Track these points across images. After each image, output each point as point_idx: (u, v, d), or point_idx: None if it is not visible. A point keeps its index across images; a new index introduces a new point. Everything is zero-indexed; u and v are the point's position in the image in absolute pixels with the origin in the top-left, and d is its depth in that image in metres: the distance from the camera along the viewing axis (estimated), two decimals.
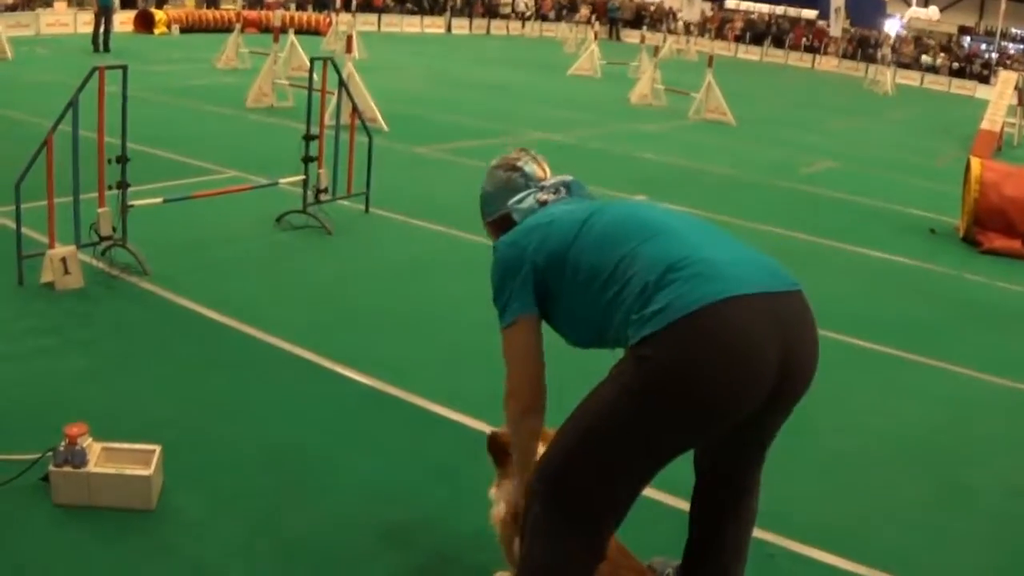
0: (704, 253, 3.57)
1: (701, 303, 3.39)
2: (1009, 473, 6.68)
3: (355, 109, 11.46)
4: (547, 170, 4.43)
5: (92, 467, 5.10)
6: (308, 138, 10.52)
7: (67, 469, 5.06)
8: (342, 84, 12.05)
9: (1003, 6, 52.55)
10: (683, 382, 3.41)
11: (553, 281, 3.85)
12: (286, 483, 5.53)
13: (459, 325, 8.31)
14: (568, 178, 4.33)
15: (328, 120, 11.54)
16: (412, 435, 6.29)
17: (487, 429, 6.16)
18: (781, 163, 19.01)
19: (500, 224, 4.29)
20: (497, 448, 4.42)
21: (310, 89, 10.70)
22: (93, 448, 5.19)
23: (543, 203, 4.18)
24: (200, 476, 5.50)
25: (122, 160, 8.59)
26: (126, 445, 5.33)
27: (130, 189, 8.77)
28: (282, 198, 11.04)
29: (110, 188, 8.58)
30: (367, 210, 11.44)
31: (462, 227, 10.92)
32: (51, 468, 5.09)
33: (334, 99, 12.84)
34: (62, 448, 5.08)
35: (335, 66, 11.15)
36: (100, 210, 8.59)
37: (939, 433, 7.26)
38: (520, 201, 4.21)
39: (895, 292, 10.88)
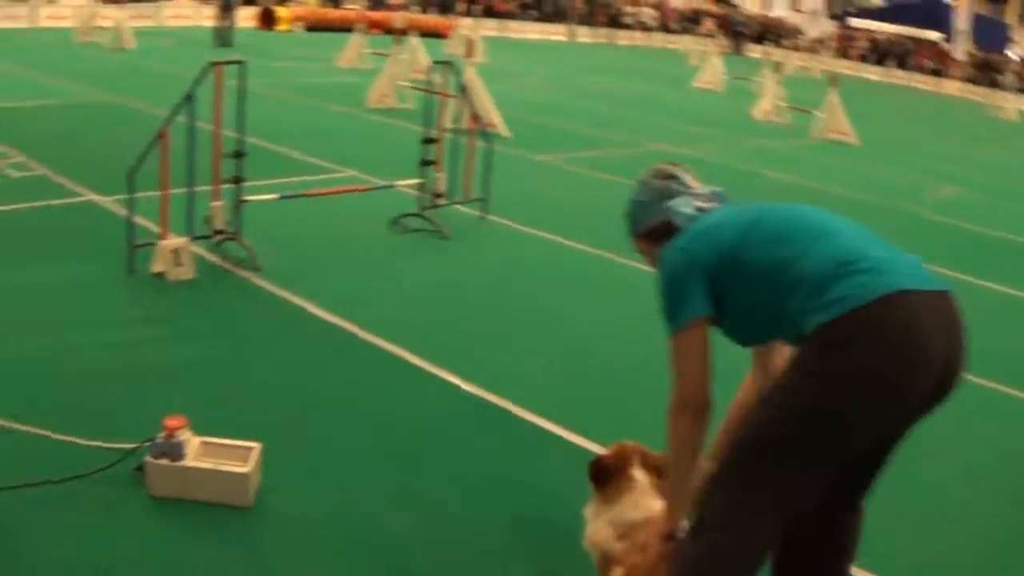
0: (873, 252, 3.71)
1: (878, 293, 3.53)
2: None
3: (475, 114, 11.37)
4: (697, 181, 4.40)
5: (189, 461, 5.07)
6: (427, 141, 10.45)
7: (163, 461, 5.03)
8: (463, 88, 11.98)
9: None
10: (866, 364, 3.51)
11: (724, 282, 3.92)
12: (386, 487, 5.45)
13: (568, 336, 8.17)
14: (719, 189, 4.36)
15: (448, 124, 11.46)
16: (514, 445, 6.16)
17: (586, 443, 6.08)
18: (904, 187, 18.56)
19: (654, 234, 4.27)
20: (601, 474, 4.37)
21: (430, 92, 10.64)
22: (192, 442, 5.15)
23: (701, 210, 4.20)
24: (299, 475, 5.44)
25: (238, 154, 8.60)
26: (225, 440, 5.29)
27: (245, 184, 8.77)
28: (398, 200, 10.97)
29: (225, 182, 8.59)
30: (483, 216, 11.33)
31: (579, 237, 10.75)
32: (147, 459, 5.06)
33: (454, 103, 12.77)
34: (160, 440, 5.05)
35: (456, 70, 11.08)
36: (214, 203, 8.63)
37: None
38: (681, 207, 4.21)
39: (1009, 327, 10.36)
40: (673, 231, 4.15)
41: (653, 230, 4.26)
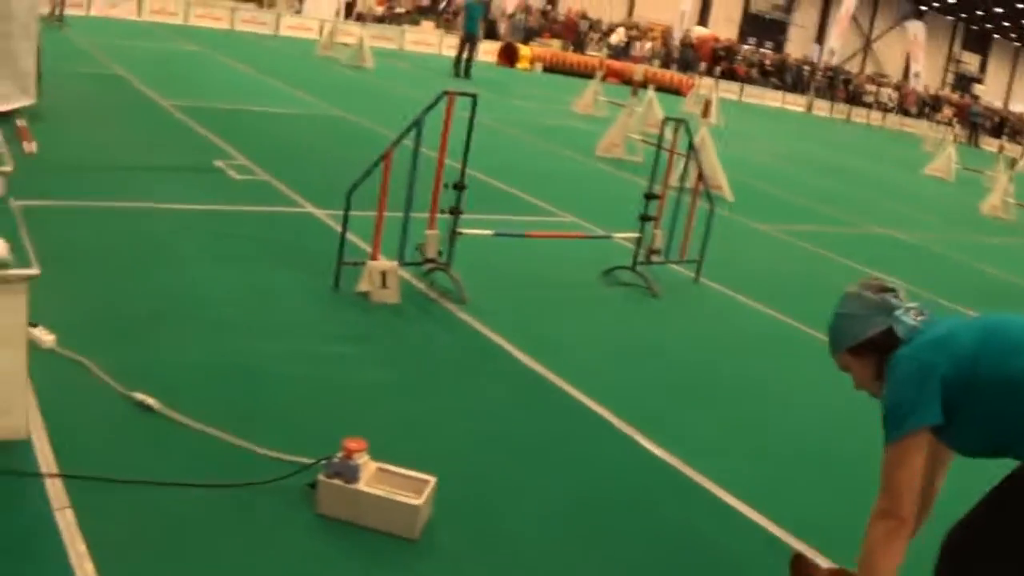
0: None
1: None
2: None
3: (701, 175, 11.20)
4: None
5: (362, 485, 5.03)
6: (649, 196, 10.35)
7: (337, 482, 5.01)
8: (692, 148, 11.85)
9: None
10: None
11: (961, 393, 3.88)
12: (556, 538, 5.30)
13: (769, 412, 7.89)
14: (920, 303, 4.28)
15: (673, 182, 11.34)
16: (698, 517, 5.91)
17: (770, 526, 5.87)
18: None
19: (869, 347, 4.22)
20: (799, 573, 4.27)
21: (659, 147, 10.55)
22: (368, 466, 5.12)
23: (921, 322, 4.16)
24: (471, 515, 5.35)
25: (458, 187, 8.63)
26: (402, 470, 5.24)
27: (462, 216, 8.78)
28: (614, 252, 10.88)
29: (442, 212, 8.64)
30: (697, 279, 11.12)
31: (791, 311, 10.50)
32: (320, 477, 5.05)
33: (682, 161, 12.65)
34: (337, 460, 5.04)
35: (688, 129, 10.97)
36: (429, 232, 8.66)
37: None
38: (905, 318, 4.17)
39: None
40: (893, 344, 4.11)
41: (869, 342, 4.19)
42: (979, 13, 74.02)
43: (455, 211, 8.67)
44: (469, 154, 8.71)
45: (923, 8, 68.81)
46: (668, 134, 10.79)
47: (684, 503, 6.05)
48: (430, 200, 8.71)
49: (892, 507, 3.88)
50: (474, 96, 8.46)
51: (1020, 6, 64.77)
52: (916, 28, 58.06)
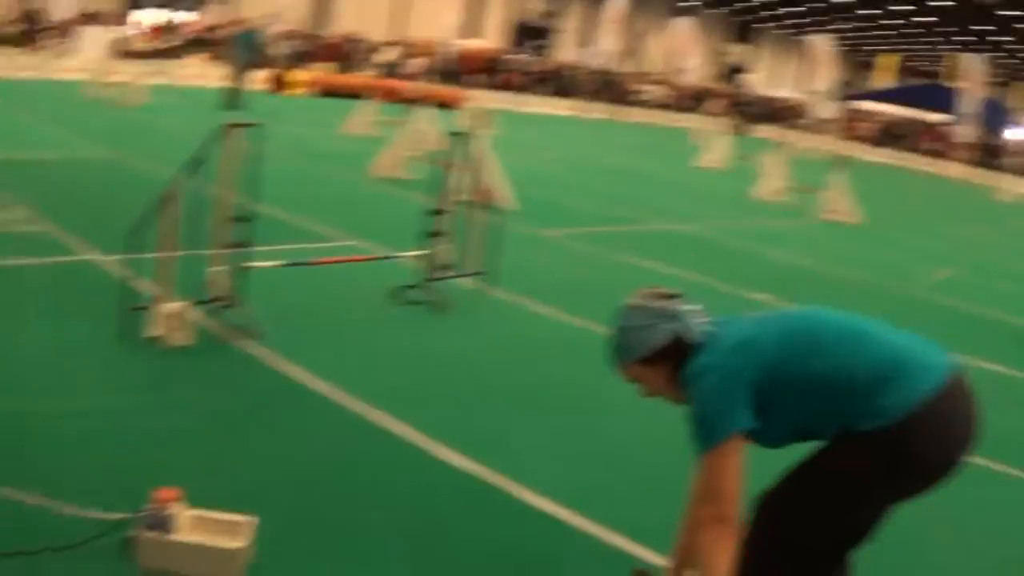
0: (906, 348, 4.10)
1: (928, 391, 3.92)
2: None
3: (484, 187, 11.29)
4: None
5: (179, 534, 4.96)
6: (433, 212, 10.38)
7: (152, 534, 4.92)
8: (473, 159, 11.91)
9: None
10: (931, 455, 3.98)
11: (768, 395, 4.07)
12: (383, 570, 5.30)
13: (582, 417, 8.05)
14: (698, 306, 4.42)
15: (456, 196, 11.37)
16: (516, 527, 6.03)
17: (593, 529, 5.97)
18: (903, 269, 18.59)
19: (659, 357, 4.32)
20: None
21: (441, 162, 10.59)
22: (183, 515, 5.05)
23: (704, 324, 4.33)
24: (293, 552, 5.31)
25: (243, 219, 8.54)
26: (218, 515, 5.18)
27: (250, 250, 8.69)
28: (402, 271, 10.88)
29: (227, 247, 8.51)
30: (487, 291, 11.21)
31: (582, 313, 10.72)
32: (135, 532, 4.96)
33: (462, 175, 12.71)
34: (149, 511, 4.95)
35: (467, 141, 11.05)
36: (214, 269, 8.51)
37: None
38: (696, 325, 4.31)
39: (1006, 407, 10.09)
40: (685, 349, 4.25)
41: (658, 353, 4.29)
42: (742, 5, 76.20)
43: (241, 244, 8.56)
44: (251, 185, 8.62)
45: (687, 4, 70.42)
46: (447, 149, 10.81)
47: (509, 519, 6.13)
48: (215, 237, 8.60)
49: (720, 512, 4.00)
50: (258, 126, 8.40)
51: None
52: (683, 24, 59.42)
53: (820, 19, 75.91)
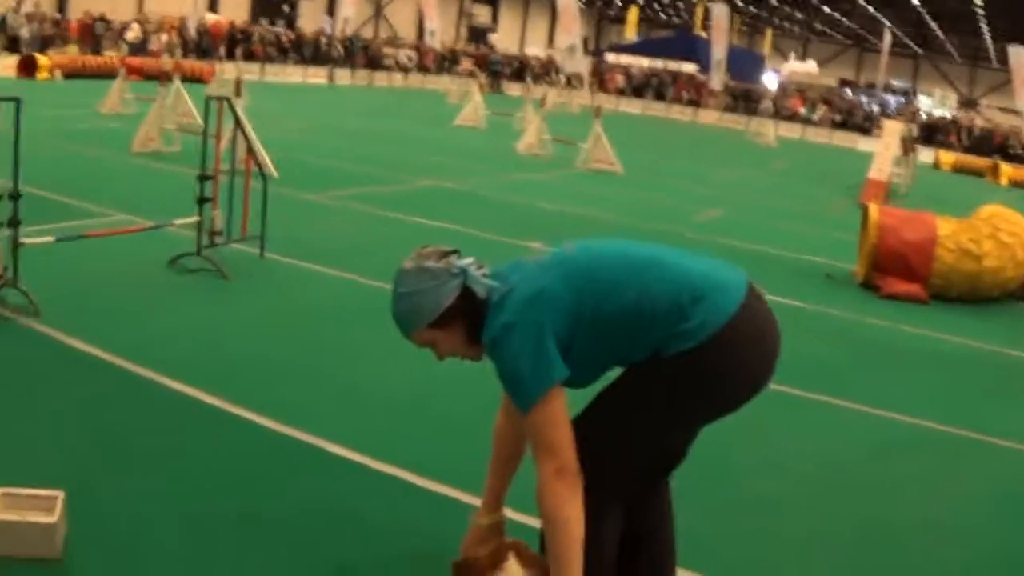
0: (701, 270, 4.18)
1: (730, 312, 4.04)
2: (923, 507, 6.80)
3: (251, 151, 11.28)
4: None
5: None
6: (203, 178, 10.27)
7: None
8: (238, 123, 11.84)
9: (884, 60, 53.76)
10: (738, 372, 4.11)
11: (573, 340, 4.09)
12: (199, 537, 5.31)
13: (358, 369, 8.21)
14: (472, 258, 4.33)
15: (222, 164, 11.31)
16: (313, 475, 6.14)
17: (390, 470, 6.14)
18: (671, 211, 19.20)
19: (447, 316, 4.22)
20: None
21: (206, 126, 10.52)
22: None
23: (484, 275, 4.25)
24: (103, 524, 5.26)
25: (14, 196, 8.38)
26: (26, 491, 5.07)
27: (20, 228, 8.53)
28: (175, 241, 10.78)
29: (0, 225, 8.35)
30: (262, 255, 11.20)
31: (357, 271, 10.87)
32: None
33: (226, 142, 12.64)
34: None
35: (231, 106, 11.03)
36: None
37: (853, 472, 7.33)
38: (482, 279, 4.21)
39: (793, 335, 10.61)
40: (474, 307, 4.18)
41: (448, 313, 4.19)
42: None
43: (14, 222, 8.40)
44: (19, 163, 8.42)
45: None
46: (206, 118, 10.71)
47: (293, 461, 6.27)
48: None
49: (561, 464, 3.96)
50: (18, 100, 8.26)
51: None
52: None
53: None
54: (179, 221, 10.77)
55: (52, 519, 4.89)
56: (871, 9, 67.43)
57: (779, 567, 5.70)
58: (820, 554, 5.93)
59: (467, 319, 4.19)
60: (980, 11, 56.82)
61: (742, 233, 17.35)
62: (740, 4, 68.83)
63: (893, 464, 7.59)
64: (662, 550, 4.57)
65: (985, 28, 62.87)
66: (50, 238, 9.43)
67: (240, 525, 5.42)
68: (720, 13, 51.50)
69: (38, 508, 4.97)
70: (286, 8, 66.68)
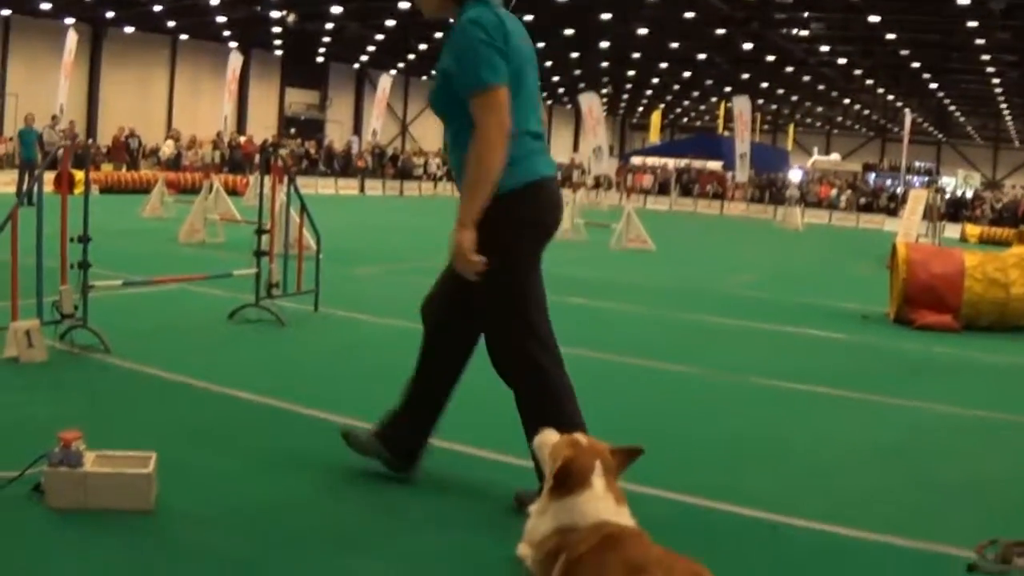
0: (534, 129, 5.33)
1: (544, 173, 5.37)
2: (964, 469, 7.21)
3: (303, 206, 11.54)
4: None
5: (88, 467, 5.11)
6: (260, 232, 10.62)
7: (63, 469, 5.05)
8: (295, 189, 12.06)
9: (905, 143, 54.14)
10: (541, 223, 5.41)
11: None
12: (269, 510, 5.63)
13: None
14: None
15: (278, 244, 11.74)
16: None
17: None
18: (706, 276, 19.54)
19: None
20: (566, 475, 4.36)
21: (262, 175, 10.86)
22: (87, 454, 5.19)
23: None
24: (191, 489, 5.54)
25: (84, 240, 8.67)
26: (120, 452, 5.36)
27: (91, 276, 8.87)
28: (233, 301, 11.09)
29: (72, 267, 8.61)
30: (316, 308, 11.56)
31: (402, 317, 11.12)
32: (46, 469, 5.08)
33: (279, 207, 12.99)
34: (57, 450, 5.08)
35: (290, 174, 11.42)
36: (62, 287, 8.60)
37: (899, 447, 7.69)
38: None
39: (835, 355, 11.56)
40: None
41: None
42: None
43: (84, 265, 8.68)
44: (88, 214, 8.84)
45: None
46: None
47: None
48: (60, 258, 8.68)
49: (504, 129, 5.04)
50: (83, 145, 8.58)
51: (549, 64, 67.65)
52: None
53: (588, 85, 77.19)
54: (238, 272, 11.12)
55: (147, 470, 5.17)
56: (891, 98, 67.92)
57: (841, 513, 5.94)
58: (879, 505, 6.22)
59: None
60: (1000, 95, 57.04)
61: (776, 289, 17.76)
62: (761, 102, 69.19)
63: (934, 440, 8.03)
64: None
65: (1006, 109, 63.05)
66: (118, 282, 9.74)
67: (324, 498, 5.76)
68: (742, 106, 51.78)
69: (132, 465, 5.24)
70: (315, 131, 67.46)
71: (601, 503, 4.28)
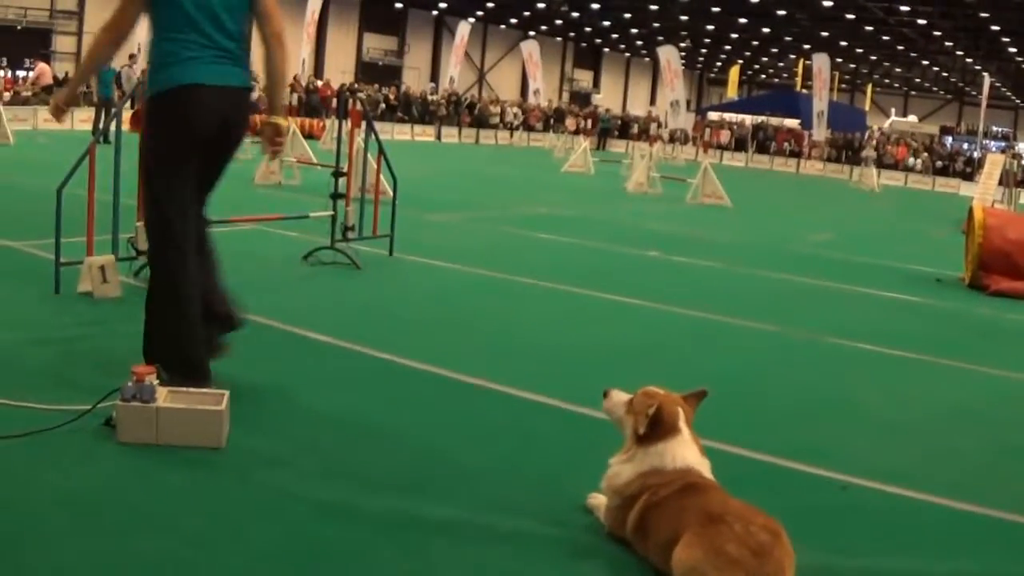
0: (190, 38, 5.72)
1: (185, 82, 5.67)
2: None
3: (381, 150, 11.51)
4: None
5: (161, 403, 5.11)
6: (337, 174, 10.62)
7: (135, 403, 5.06)
8: (373, 129, 12.05)
9: (983, 107, 53.27)
10: (182, 121, 5.73)
11: None
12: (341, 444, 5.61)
13: (491, 324, 8.70)
14: None
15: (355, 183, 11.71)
16: (462, 402, 6.46)
17: (533, 396, 6.34)
18: (782, 234, 19.33)
19: None
20: (658, 423, 4.45)
21: (340, 119, 10.87)
22: (160, 389, 5.20)
23: None
24: (264, 427, 5.55)
25: None
26: (191, 389, 5.37)
27: None
28: (308, 244, 11.11)
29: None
30: (391, 253, 11.57)
31: (478, 265, 11.41)
32: (118, 403, 5.09)
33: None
34: (130, 384, 5.08)
35: (368, 118, 11.41)
36: (138, 223, 8.62)
37: (970, 411, 7.62)
38: None
39: (910, 318, 11.44)
40: None
41: None
42: (587, 30, 76.78)
43: None
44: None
45: (532, 33, 70.68)
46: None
47: (443, 390, 6.58)
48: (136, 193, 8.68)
49: (117, 24, 5.73)
50: None
51: (628, 16, 67.53)
52: (531, 47, 59.34)
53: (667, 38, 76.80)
54: (315, 214, 11.14)
55: (220, 407, 5.18)
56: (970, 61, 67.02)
57: (911, 475, 5.89)
58: (949, 470, 6.16)
59: None
60: None
61: (852, 250, 17.43)
62: (840, 61, 68.47)
63: (1004, 409, 7.84)
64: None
65: None
66: None
67: (390, 442, 5.72)
68: (821, 63, 51.18)
69: (204, 402, 5.26)
70: (392, 77, 67.54)
71: (688, 450, 4.45)
